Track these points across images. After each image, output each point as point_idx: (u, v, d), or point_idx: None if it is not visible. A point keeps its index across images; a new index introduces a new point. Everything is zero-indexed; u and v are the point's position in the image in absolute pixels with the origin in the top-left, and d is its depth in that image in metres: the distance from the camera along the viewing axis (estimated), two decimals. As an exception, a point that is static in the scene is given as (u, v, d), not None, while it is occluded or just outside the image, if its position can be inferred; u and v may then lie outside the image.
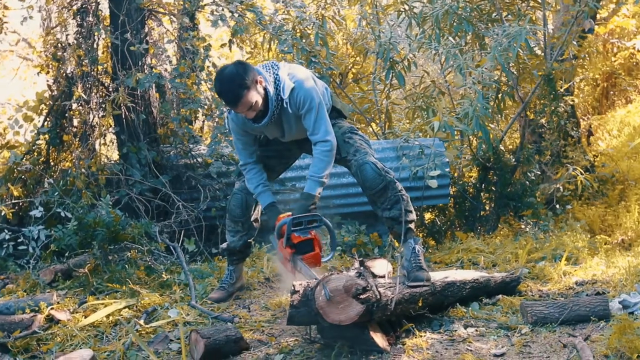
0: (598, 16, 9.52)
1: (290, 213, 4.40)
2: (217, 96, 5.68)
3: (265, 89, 4.25)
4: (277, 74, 4.32)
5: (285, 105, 4.30)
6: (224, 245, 5.11)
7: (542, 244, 6.19)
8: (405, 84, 7.62)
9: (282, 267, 4.55)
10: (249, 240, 4.99)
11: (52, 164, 6.64)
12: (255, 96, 4.17)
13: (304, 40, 6.97)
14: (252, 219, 4.91)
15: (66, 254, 5.65)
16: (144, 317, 4.49)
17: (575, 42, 7.92)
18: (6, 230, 5.89)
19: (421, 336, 4.01)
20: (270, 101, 4.27)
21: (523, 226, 7.44)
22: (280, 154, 4.78)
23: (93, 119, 6.54)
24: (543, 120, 8.61)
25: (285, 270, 4.50)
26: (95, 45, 6.53)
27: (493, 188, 7.77)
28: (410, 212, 4.47)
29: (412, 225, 4.48)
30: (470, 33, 7.38)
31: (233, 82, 4.12)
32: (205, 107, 6.57)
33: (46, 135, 6.51)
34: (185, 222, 6.23)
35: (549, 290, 4.90)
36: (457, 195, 7.80)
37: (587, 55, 8.76)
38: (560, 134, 8.81)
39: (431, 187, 6.80)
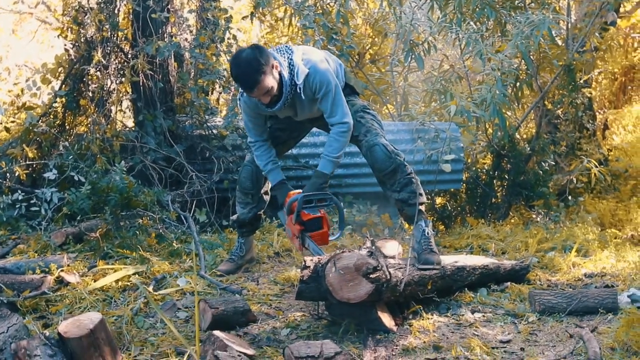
0: (621, 9, 9.44)
1: (300, 190, 4.42)
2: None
3: (280, 73, 4.22)
4: (291, 59, 4.27)
5: (298, 90, 4.27)
6: (234, 217, 5.13)
7: (553, 235, 6.18)
8: (424, 67, 7.59)
9: (290, 242, 4.57)
10: (258, 213, 5.00)
11: (67, 127, 6.66)
12: (271, 81, 4.13)
13: (325, 17, 6.94)
14: (262, 191, 4.93)
15: (78, 218, 5.67)
16: (153, 284, 4.51)
17: (597, 34, 7.86)
18: (19, 191, 5.93)
19: (428, 319, 4.02)
20: (285, 86, 4.23)
21: (534, 216, 7.44)
22: (291, 127, 4.76)
23: (110, 85, 6.54)
24: (559, 111, 8.57)
25: (293, 245, 4.52)
26: (116, 11, 6.51)
27: (506, 176, 7.75)
28: (421, 194, 4.45)
29: (422, 208, 4.47)
30: (492, 19, 7.32)
31: (250, 67, 4.06)
32: (223, 78, 6.57)
33: (63, 99, 6.52)
34: (197, 192, 6.26)
35: (557, 280, 4.89)
36: (469, 181, 7.78)
37: (607, 48, 8.69)
38: (576, 125, 8.78)
39: (444, 172, 6.78)
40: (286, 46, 4.40)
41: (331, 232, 4.36)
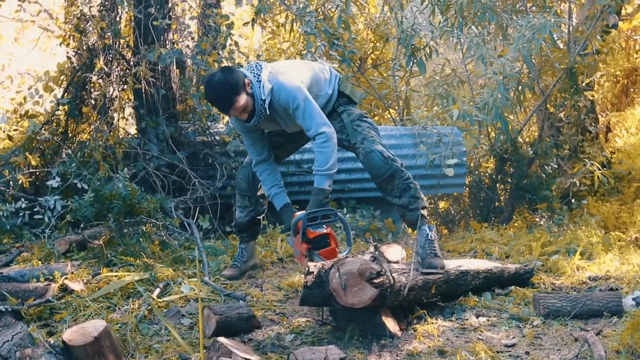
0: (623, 11, 9.44)
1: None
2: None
3: (252, 89, 4.29)
4: (259, 75, 4.35)
5: (266, 105, 4.32)
6: (234, 222, 5.13)
7: (556, 238, 6.17)
8: (426, 72, 7.59)
9: (299, 264, 4.54)
10: (257, 217, 5.00)
11: (70, 135, 6.66)
12: (245, 99, 4.24)
13: (326, 23, 6.94)
14: (258, 193, 4.93)
15: (81, 225, 5.66)
16: (157, 291, 4.50)
17: (598, 37, 7.86)
18: (23, 199, 5.92)
19: (432, 323, 4.01)
20: (257, 102, 4.31)
21: (537, 219, 7.42)
22: (287, 134, 4.78)
23: (113, 92, 6.55)
24: (562, 114, 8.56)
25: (302, 266, 4.49)
26: (118, 18, 6.53)
27: (509, 179, 7.74)
28: (421, 199, 4.47)
29: (424, 212, 4.47)
30: (493, 23, 7.32)
31: (224, 89, 4.20)
32: (226, 85, 6.56)
33: (65, 107, 6.52)
34: (200, 199, 6.25)
35: (561, 283, 4.89)
36: (472, 185, 7.77)
37: (609, 51, 8.69)
38: (578, 128, 8.76)
39: (447, 176, 6.76)
40: (257, 63, 4.47)
41: (339, 248, 4.31)
